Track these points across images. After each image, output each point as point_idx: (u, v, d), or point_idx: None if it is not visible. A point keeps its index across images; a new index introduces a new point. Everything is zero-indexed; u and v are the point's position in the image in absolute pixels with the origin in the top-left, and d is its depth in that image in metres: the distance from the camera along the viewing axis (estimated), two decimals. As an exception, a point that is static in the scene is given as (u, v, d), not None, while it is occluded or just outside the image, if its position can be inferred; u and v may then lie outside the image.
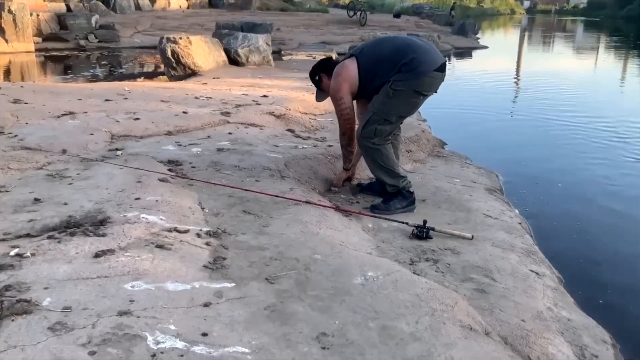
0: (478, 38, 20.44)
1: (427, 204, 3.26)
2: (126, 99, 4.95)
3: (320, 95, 3.23)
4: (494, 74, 11.40)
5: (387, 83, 2.87)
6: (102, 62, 11.03)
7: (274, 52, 10.65)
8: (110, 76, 9.10)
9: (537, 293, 2.29)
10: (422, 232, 2.66)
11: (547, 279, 2.48)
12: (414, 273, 2.25)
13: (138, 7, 21.35)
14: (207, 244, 2.21)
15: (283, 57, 11.07)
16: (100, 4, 19.29)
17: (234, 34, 9.70)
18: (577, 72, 13.41)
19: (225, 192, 2.82)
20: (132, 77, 9.40)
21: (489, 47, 17.78)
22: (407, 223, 2.74)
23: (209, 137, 3.89)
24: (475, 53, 16.25)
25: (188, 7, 23.73)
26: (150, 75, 9.26)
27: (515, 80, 11.39)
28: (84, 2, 18.95)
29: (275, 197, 2.77)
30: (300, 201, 2.76)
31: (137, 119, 4.14)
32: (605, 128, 6.48)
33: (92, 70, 9.76)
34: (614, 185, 4.37)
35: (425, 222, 2.69)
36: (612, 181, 4.46)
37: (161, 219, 2.35)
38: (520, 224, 3.19)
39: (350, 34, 15.69)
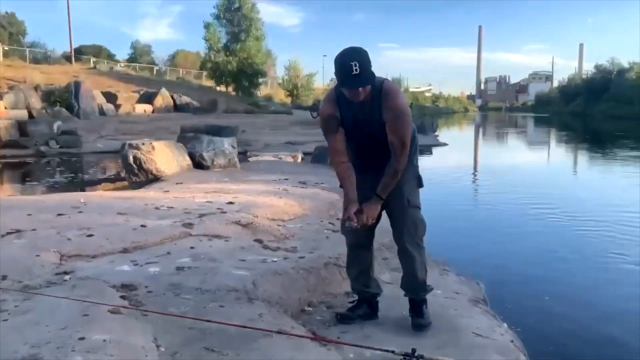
0: (437, 135, 21.14)
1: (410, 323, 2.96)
2: (81, 212, 4.63)
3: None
4: (455, 169, 11.59)
5: (411, 166, 2.70)
6: (62, 169, 10.74)
7: (240, 154, 10.62)
8: (70, 183, 8.79)
9: None
10: (410, 362, 2.35)
11: (556, 414, 2.18)
12: None
13: (102, 112, 21.51)
14: (162, 398, 1.85)
15: (249, 159, 11.03)
16: (64, 110, 19.33)
17: (199, 137, 9.63)
18: (533, 166, 13.79)
19: (185, 324, 2.47)
20: (92, 183, 9.12)
21: (448, 144, 18.32)
22: (393, 352, 2.43)
23: (168, 253, 3.58)
24: (435, 150, 16.67)
25: (153, 112, 24.02)
26: (111, 181, 8.99)
27: (474, 176, 11.56)
28: (47, 108, 18.95)
29: (243, 328, 2.44)
30: (271, 331, 2.43)
31: (91, 235, 3.81)
32: (570, 219, 6.47)
33: (50, 179, 9.44)
34: (598, 282, 4.19)
35: (414, 350, 2.39)
36: (593, 277, 4.29)
37: (107, 367, 1.99)
38: (512, 341, 2.91)
39: (315, 134, 15.95)
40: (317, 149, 11.27)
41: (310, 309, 3.09)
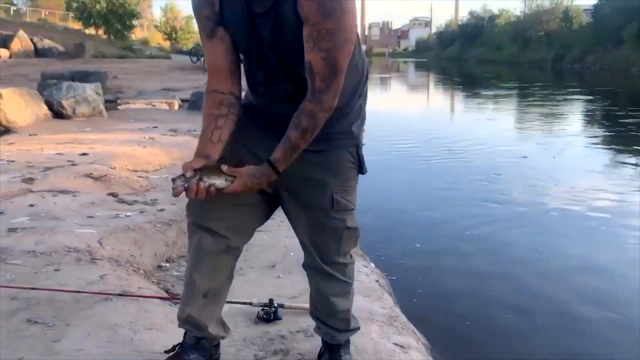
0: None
1: (277, 270, 2.83)
2: None
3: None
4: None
5: (348, 133, 1.57)
6: None
7: (110, 102, 9.76)
8: None
9: (406, 376, 1.94)
10: (268, 314, 2.20)
11: (414, 352, 2.15)
12: (259, 378, 1.78)
13: (-52, 57, 18.81)
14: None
15: (119, 107, 10.20)
16: None
17: (59, 84, 8.68)
18: (413, 107, 14.25)
19: (7, 294, 2.12)
20: None
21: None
22: (251, 303, 2.28)
23: (1, 213, 3.11)
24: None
25: (10, 57, 21.45)
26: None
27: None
28: None
29: (77, 293, 2.14)
30: (111, 294, 2.16)
31: None
32: (444, 156, 6.73)
33: None
34: (473, 227, 4.31)
35: (271, 300, 2.25)
36: (469, 222, 4.41)
37: None
38: (377, 281, 2.89)
39: (194, 79, 15.14)
40: (193, 95, 10.68)
41: (168, 264, 2.84)
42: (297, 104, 1.42)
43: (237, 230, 1.61)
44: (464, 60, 39.77)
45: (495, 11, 54.06)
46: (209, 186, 1.40)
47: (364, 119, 1.61)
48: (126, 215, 3.21)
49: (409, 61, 44.39)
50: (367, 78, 1.59)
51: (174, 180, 1.42)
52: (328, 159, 1.55)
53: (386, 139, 8.10)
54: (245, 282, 2.56)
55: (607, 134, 9.63)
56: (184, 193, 1.41)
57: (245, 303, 2.27)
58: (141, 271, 2.63)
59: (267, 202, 1.62)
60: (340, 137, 1.54)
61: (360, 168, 1.61)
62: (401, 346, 2.17)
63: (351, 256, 1.73)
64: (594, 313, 2.85)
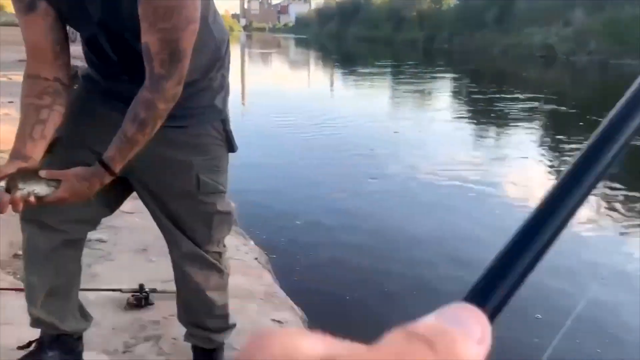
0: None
1: (149, 253, 2.71)
2: None
3: None
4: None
5: (211, 109, 1.42)
6: None
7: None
8: None
9: (283, 351, 1.95)
10: (139, 300, 2.10)
11: (292, 327, 2.18)
12: (129, 366, 1.69)
13: None
14: None
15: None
16: None
17: None
18: (294, 84, 14.32)
19: None
20: None
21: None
22: (120, 290, 2.16)
23: None
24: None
25: None
26: None
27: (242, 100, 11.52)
28: None
29: None
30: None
31: None
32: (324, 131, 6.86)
33: None
34: (349, 200, 4.45)
35: (142, 285, 2.15)
36: (345, 195, 4.54)
37: None
38: (256, 259, 2.88)
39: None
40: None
41: (26, 253, 2.59)
42: (140, 84, 1.21)
43: (79, 222, 1.41)
44: (343, 37, 40.63)
45: (372, -10, 55.62)
46: (28, 195, 1.14)
47: (227, 91, 1.47)
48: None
49: (290, 37, 44.43)
50: (227, 48, 1.45)
51: None
52: (190, 135, 1.39)
53: (265, 115, 8.07)
54: (114, 268, 2.43)
55: (469, 109, 10.38)
56: None
57: (113, 290, 2.15)
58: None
59: (119, 186, 1.39)
60: (202, 111, 1.39)
61: (230, 145, 1.46)
62: (279, 322, 2.19)
63: (224, 245, 1.59)
64: (455, 273, 3.08)
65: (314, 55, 28.01)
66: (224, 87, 1.44)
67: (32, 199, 1.15)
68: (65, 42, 1.29)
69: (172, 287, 2.22)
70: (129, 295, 2.12)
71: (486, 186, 4.85)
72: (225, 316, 1.64)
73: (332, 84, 15.23)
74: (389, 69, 19.09)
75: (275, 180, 4.92)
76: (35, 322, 1.50)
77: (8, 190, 1.13)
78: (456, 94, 12.95)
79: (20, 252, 2.59)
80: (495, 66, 20.76)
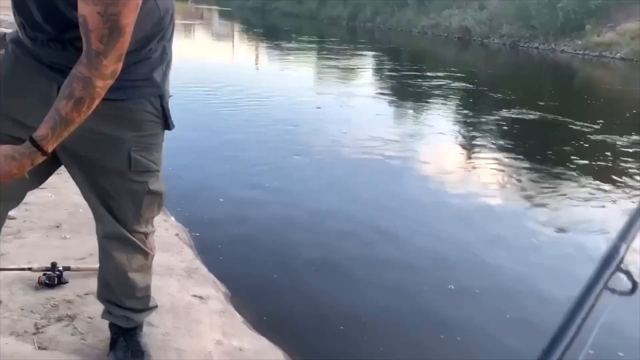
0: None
1: (63, 230, 2.59)
2: None
3: None
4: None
5: (148, 83, 1.34)
6: None
7: None
8: None
9: (204, 327, 1.95)
10: (52, 278, 2.01)
11: (213, 302, 2.18)
12: (39, 348, 1.63)
13: None
14: None
15: None
16: None
17: None
18: (217, 57, 14.00)
19: None
20: None
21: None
22: (30, 269, 2.05)
23: None
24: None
25: None
26: None
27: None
28: None
29: None
30: None
31: None
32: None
33: None
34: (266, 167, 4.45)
35: (54, 264, 2.05)
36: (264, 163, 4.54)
37: None
38: (177, 235, 2.83)
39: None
40: None
41: None
42: (77, 51, 1.12)
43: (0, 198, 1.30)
44: (268, 11, 39.90)
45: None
46: None
47: (169, 64, 1.38)
48: None
49: (213, 9, 43.11)
50: (172, 18, 1.35)
51: None
52: (124, 110, 1.31)
53: (187, 89, 7.84)
54: (23, 246, 2.30)
55: (388, 86, 10.63)
56: None
57: (22, 269, 2.04)
58: None
59: (47, 159, 1.26)
60: (138, 85, 1.31)
61: (166, 122, 1.40)
62: (200, 297, 2.17)
63: (152, 225, 1.54)
64: (367, 239, 3.19)
65: (238, 28, 27.39)
66: (164, 60, 1.36)
67: None
68: None
69: (87, 264, 2.16)
70: (40, 274, 2.02)
71: (401, 160, 5.07)
72: (147, 297, 1.61)
73: (256, 59, 15.03)
74: (312, 45, 19.07)
75: (197, 156, 4.82)
76: None
77: None
78: (376, 71, 13.17)
79: None
80: (414, 46, 21.28)
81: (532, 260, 3.15)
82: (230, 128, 6.00)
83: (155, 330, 1.82)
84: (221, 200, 3.75)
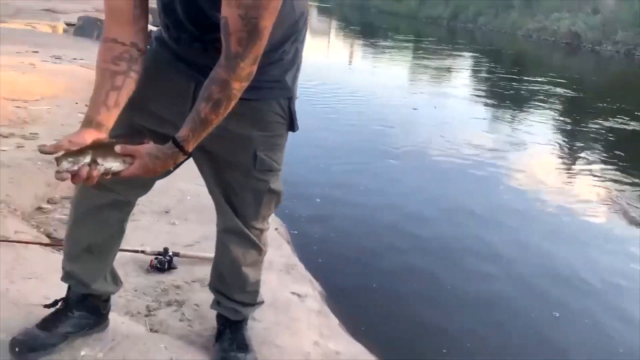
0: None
1: (171, 216, 2.71)
2: None
3: None
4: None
5: (278, 86, 1.36)
6: None
7: (-22, 19, 8.66)
8: None
9: (302, 325, 1.96)
10: (162, 263, 2.11)
11: (310, 300, 2.19)
12: (151, 330, 1.71)
13: None
14: None
15: (-8, 26, 9.07)
16: None
17: None
18: (313, 54, 14.17)
19: None
20: None
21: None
22: (143, 251, 2.16)
23: None
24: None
25: None
26: None
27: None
28: None
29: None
30: (-19, 240, 1.94)
31: None
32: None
33: None
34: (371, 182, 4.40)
35: (166, 249, 2.15)
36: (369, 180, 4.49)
37: None
38: (277, 229, 2.88)
39: (82, 2, 13.79)
40: (81, 19, 9.77)
41: (49, 206, 2.61)
42: (217, 52, 1.16)
43: (130, 184, 1.35)
44: (366, 9, 39.91)
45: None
46: (105, 172, 1.13)
47: (299, 67, 1.40)
48: (1, 150, 2.88)
49: (313, 5, 43.79)
50: (306, 20, 1.36)
51: (58, 160, 1.09)
52: (254, 110, 1.34)
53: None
54: (137, 229, 2.43)
55: (487, 89, 10.26)
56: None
57: (136, 251, 2.16)
58: (18, 213, 2.40)
59: None
60: (270, 86, 1.33)
61: (291, 124, 1.41)
62: (298, 295, 2.19)
63: (268, 222, 1.57)
64: (462, 246, 3.09)
65: (335, 25, 27.61)
66: (295, 62, 1.38)
67: (108, 176, 1.15)
68: (145, 6, 1.26)
69: (195, 252, 2.25)
70: (152, 257, 2.12)
71: (497, 168, 4.91)
72: (255, 292, 1.65)
73: (350, 56, 15.06)
74: (408, 44, 18.82)
75: (292, 153, 4.88)
76: (66, 276, 1.50)
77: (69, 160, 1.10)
78: (474, 72, 12.78)
79: (45, 206, 2.62)
80: (517, 49, 20.38)
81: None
82: (325, 126, 6.02)
83: (257, 325, 1.85)
84: (318, 200, 3.77)
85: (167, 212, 2.73)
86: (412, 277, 2.80)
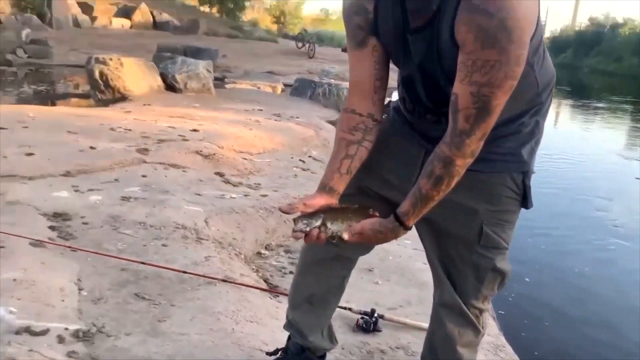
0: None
1: (375, 275, 2.73)
2: (26, 127, 4.21)
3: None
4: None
5: (513, 159, 1.29)
6: (28, 80, 10.10)
7: (217, 79, 10.08)
8: (35, 96, 8.26)
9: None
10: (368, 324, 2.11)
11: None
12: (357, 393, 1.69)
13: (77, 23, 20.33)
14: (70, 355, 1.57)
15: (226, 86, 10.50)
16: (35, 17, 18.19)
17: (174, 57, 9.08)
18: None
19: (119, 264, 2.18)
20: (56, 97, 8.61)
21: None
22: (350, 309, 2.19)
23: (116, 180, 3.24)
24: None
25: (131, 27, 22.83)
26: (80, 97, 8.46)
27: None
28: (17, 14, 17.84)
29: (183, 273, 2.15)
30: (215, 279, 2.15)
31: (31, 154, 3.43)
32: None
33: (11, 89, 8.84)
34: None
35: (373, 310, 2.15)
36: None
37: (11, 311, 1.69)
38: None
39: (298, 65, 15.32)
40: (297, 81, 10.77)
41: (267, 252, 2.82)
42: (443, 126, 1.17)
43: (359, 246, 1.41)
44: (578, 68, 37.31)
45: (619, 19, 50.31)
46: (332, 236, 1.25)
47: (538, 140, 1.32)
48: (231, 197, 3.23)
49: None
50: (551, 92, 1.29)
51: (295, 221, 1.24)
52: (484, 182, 1.27)
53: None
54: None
55: None
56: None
57: (344, 308, 2.19)
58: (242, 256, 2.63)
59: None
60: (504, 159, 1.27)
61: (525, 200, 1.31)
62: (508, 380, 2.00)
63: (489, 302, 1.45)
64: None
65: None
66: (535, 136, 1.30)
67: (334, 240, 1.25)
68: (385, 78, 1.31)
69: (399, 317, 2.21)
70: (358, 316, 2.14)
71: None
72: None
73: (557, 117, 14.06)
74: (628, 106, 16.97)
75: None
76: (288, 325, 1.57)
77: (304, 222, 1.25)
78: None
79: (263, 251, 2.83)
80: None
81: None
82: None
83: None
84: (527, 279, 3.48)
85: (370, 270, 2.75)
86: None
